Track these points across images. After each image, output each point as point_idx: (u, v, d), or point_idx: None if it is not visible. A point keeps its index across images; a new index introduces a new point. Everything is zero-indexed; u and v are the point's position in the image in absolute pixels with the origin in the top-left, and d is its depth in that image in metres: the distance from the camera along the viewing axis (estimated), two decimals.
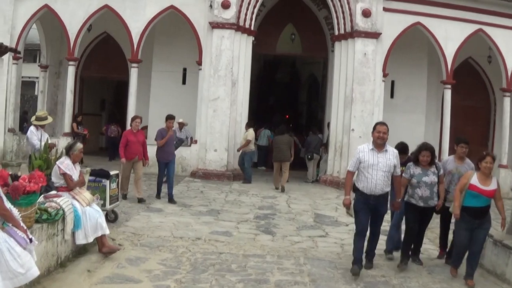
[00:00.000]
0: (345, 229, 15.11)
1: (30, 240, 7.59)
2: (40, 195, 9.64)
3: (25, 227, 7.70)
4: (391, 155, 10.90)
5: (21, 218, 7.81)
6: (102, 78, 30.85)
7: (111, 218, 13.76)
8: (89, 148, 28.00)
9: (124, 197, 16.82)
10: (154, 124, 24.37)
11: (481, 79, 28.70)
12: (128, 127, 23.24)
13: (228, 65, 23.18)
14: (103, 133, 31.00)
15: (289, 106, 41.16)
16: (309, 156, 24.96)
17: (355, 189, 10.98)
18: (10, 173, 8.65)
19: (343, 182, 22.37)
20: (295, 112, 41.57)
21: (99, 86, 32.57)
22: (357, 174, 10.92)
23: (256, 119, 28.70)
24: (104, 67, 29.52)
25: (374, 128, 11.03)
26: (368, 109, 23.10)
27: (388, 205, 11.31)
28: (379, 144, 10.83)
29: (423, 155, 11.43)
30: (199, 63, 23.91)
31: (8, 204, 7.60)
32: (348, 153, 22.94)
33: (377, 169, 10.67)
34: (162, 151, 17.74)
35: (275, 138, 23.45)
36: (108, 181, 13.69)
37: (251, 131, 23.14)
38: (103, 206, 13.27)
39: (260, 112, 35.80)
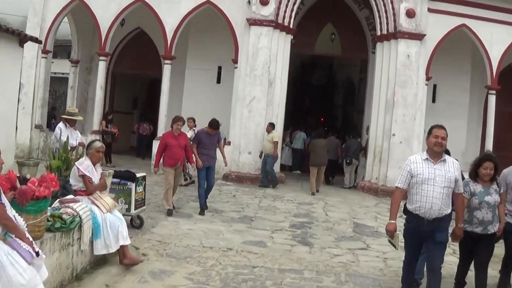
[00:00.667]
0: (387, 241, 13.86)
1: (37, 253, 6.42)
2: (56, 199, 8.60)
3: (31, 239, 6.54)
4: (451, 167, 8.46)
5: (27, 228, 6.64)
6: (135, 75, 29.92)
7: (136, 224, 12.71)
8: (120, 147, 27.81)
9: (170, 213, 14.62)
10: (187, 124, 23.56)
11: None
12: (160, 126, 22.54)
13: (265, 64, 22.07)
14: (134, 132, 30.10)
15: (324, 109, 40.12)
16: (348, 161, 23.89)
17: (405, 211, 8.83)
18: (18, 175, 7.54)
19: (382, 189, 21.69)
20: (330, 115, 40.53)
21: (132, 83, 31.69)
22: (408, 192, 8.76)
23: (290, 121, 27.85)
24: (137, 63, 28.64)
25: (430, 132, 8.76)
26: (410, 114, 21.91)
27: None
28: (436, 152, 8.48)
29: (486, 167, 9.15)
30: (235, 61, 22.81)
31: (11, 212, 6.41)
32: (388, 158, 21.97)
33: (434, 185, 8.30)
34: (201, 155, 15.34)
35: (312, 142, 22.85)
36: (133, 184, 12.56)
37: (275, 133, 21.78)
38: (127, 211, 12.34)
39: (295, 114, 34.70)
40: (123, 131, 27.74)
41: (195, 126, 20.61)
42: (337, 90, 41.03)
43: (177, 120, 15.24)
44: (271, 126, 21.79)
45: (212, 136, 15.61)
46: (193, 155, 15.22)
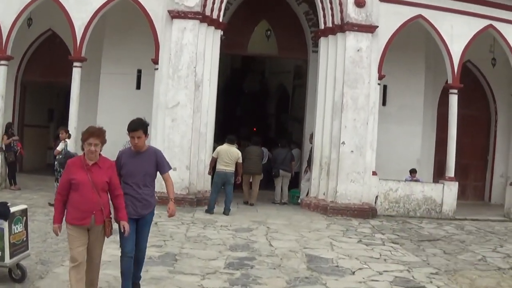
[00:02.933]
0: (353, 280, 10.74)
1: None
2: None
3: None
4: None
5: None
6: (49, 83, 25.84)
7: (17, 276, 9.04)
8: (32, 165, 24.79)
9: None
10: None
11: (480, 86, 24.79)
12: (70, 143, 18.52)
13: (191, 63, 18.46)
14: (51, 148, 26.08)
15: (257, 118, 37.35)
16: (274, 173, 20.98)
17: None
18: None
19: (332, 206, 18.23)
20: (263, 124, 37.64)
21: (46, 93, 27.66)
22: None
23: (221, 132, 24.75)
24: (49, 70, 24.48)
25: None
26: (362, 118, 18.73)
27: None
28: None
29: None
30: (155, 61, 19.11)
31: None
32: (337, 170, 18.81)
33: None
34: (125, 198, 8.50)
35: (246, 149, 20.66)
36: (6, 223, 8.79)
37: (223, 147, 18.28)
38: (1, 260, 8.76)
39: (226, 124, 31.64)
40: (37, 146, 25.12)
41: (68, 137, 17.59)
42: (269, 98, 38.49)
43: (89, 135, 7.95)
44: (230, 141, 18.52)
45: (142, 156, 8.71)
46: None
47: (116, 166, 8.42)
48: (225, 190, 17.95)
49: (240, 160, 18.29)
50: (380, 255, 13.07)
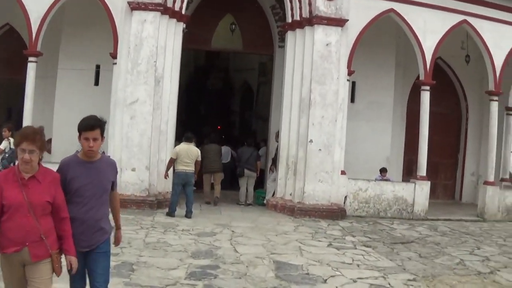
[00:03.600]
0: None
1: None
2: None
3: None
4: None
5: None
6: (7, 80, 24.45)
7: None
8: None
9: None
10: (60, 136, 19.43)
11: (451, 83, 24.15)
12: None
13: (151, 57, 17.34)
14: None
15: (221, 116, 36.63)
16: (238, 172, 20.00)
17: None
18: None
19: (300, 208, 17.28)
20: (227, 122, 37.20)
21: (3, 91, 26.29)
22: None
23: (184, 130, 23.43)
24: (7, 67, 23.15)
25: None
26: (330, 115, 17.80)
27: None
28: None
29: None
30: (114, 55, 17.94)
31: None
32: (304, 170, 17.89)
33: None
34: (73, 224, 6.31)
35: (204, 147, 19.97)
36: None
37: (182, 146, 17.07)
38: None
39: (189, 123, 30.62)
40: None
41: (11, 135, 15.98)
42: (234, 96, 37.74)
43: (21, 138, 5.91)
44: (186, 139, 17.34)
45: (95, 167, 6.49)
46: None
47: (60, 180, 6.16)
48: (185, 192, 16.79)
49: (200, 158, 17.29)
50: (353, 260, 12.17)
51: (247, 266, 10.99)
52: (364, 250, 13.26)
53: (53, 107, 20.92)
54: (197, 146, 18.45)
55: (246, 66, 33.58)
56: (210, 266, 10.84)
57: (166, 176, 17.28)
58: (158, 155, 17.77)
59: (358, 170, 19.46)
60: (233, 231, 14.58)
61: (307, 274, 10.72)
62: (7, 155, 16.13)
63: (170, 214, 16.46)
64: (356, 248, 13.46)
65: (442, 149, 23.20)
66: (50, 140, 19.56)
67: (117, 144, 17.45)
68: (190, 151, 16.93)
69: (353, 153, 19.47)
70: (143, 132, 17.31)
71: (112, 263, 10.30)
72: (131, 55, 17.34)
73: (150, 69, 17.35)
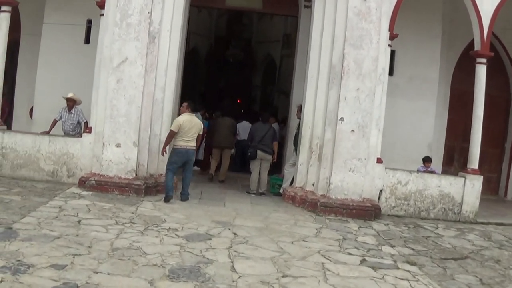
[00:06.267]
0: None
1: None
2: None
3: None
4: None
5: None
6: None
7: None
8: None
9: None
10: (42, 101, 16.61)
11: (500, 60, 19.84)
12: None
13: (145, 7, 13.41)
14: None
15: (241, 90, 34.05)
16: (250, 154, 16.06)
17: None
18: None
19: (324, 202, 13.14)
20: (248, 97, 34.73)
21: None
22: None
23: (204, 104, 21.28)
24: None
25: None
26: (368, 87, 13.73)
27: None
28: None
29: None
30: (101, 4, 14.03)
31: None
32: (332, 155, 13.83)
33: None
34: None
35: (215, 121, 18.39)
36: None
37: (185, 117, 13.58)
38: None
39: (208, 96, 30.28)
40: None
41: None
42: (255, 69, 34.73)
43: None
44: (187, 107, 13.88)
45: None
46: None
47: None
48: (184, 170, 13.72)
49: (201, 132, 14.10)
50: None
51: None
52: (408, 271, 9.44)
53: (36, 68, 17.58)
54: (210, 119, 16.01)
55: (269, 38, 31.10)
56: None
57: (163, 152, 13.79)
58: (150, 129, 13.89)
59: (393, 158, 15.60)
60: (235, 233, 10.71)
61: None
62: None
63: (167, 199, 13.18)
64: (398, 268, 9.59)
65: (486, 136, 18.64)
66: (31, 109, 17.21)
67: (99, 114, 13.70)
68: (194, 124, 13.63)
69: (389, 136, 15.38)
70: (132, 100, 13.43)
71: (48, 284, 6.55)
72: (121, 3, 13.43)
73: (143, 22, 13.43)
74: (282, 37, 29.06)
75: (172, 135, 13.46)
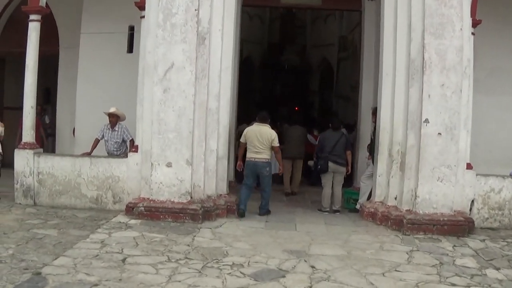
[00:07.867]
0: None
1: None
2: None
3: None
4: None
5: None
6: (41, 55, 19.46)
7: None
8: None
9: None
10: (83, 118, 15.30)
11: None
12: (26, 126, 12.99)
13: (191, 4, 11.52)
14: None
15: (298, 96, 32.49)
16: (320, 167, 14.02)
17: None
18: None
19: (410, 219, 11.13)
20: (305, 103, 32.78)
21: (40, 68, 21.37)
22: None
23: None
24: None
25: None
26: (453, 82, 11.52)
27: None
28: None
29: None
30: (141, 4, 12.22)
31: None
32: (417, 163, 11.62)
33: None
34: None
35: (286, 130, 17.18)
36: None
37: (252, 127, 13.15)
38: None
39: (264, 103, 28.03)
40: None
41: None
42: (312, 74, 33.20)
43: None
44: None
45: None
46: None
47: None
48: (261, 185, 13.08)
49: (277, 143, 12.89)
50: None
51: None
52: None
53: (76, 82, 16.17)
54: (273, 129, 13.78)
55: (324, 41, 29.60)
56: None
57: (239, 167, 13.33)
58: (205, 144, 11.98)
59: (476, 161, 13.14)
60: (313, 266, 8.64)
61: None
62: None
63: (240, 214, 12.44)
64: None
65: None
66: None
67: (146, 130, 11.86)
68: (262, 134, 12.77)
69: (474, 134, 13.19)
70: (182, 112, 11.55)
71: None
72: (163, 1, 11.58)
73: (190, 21, 11.52)
74: (338, 39, 27.54)
75: (242, 146, 13.03)
